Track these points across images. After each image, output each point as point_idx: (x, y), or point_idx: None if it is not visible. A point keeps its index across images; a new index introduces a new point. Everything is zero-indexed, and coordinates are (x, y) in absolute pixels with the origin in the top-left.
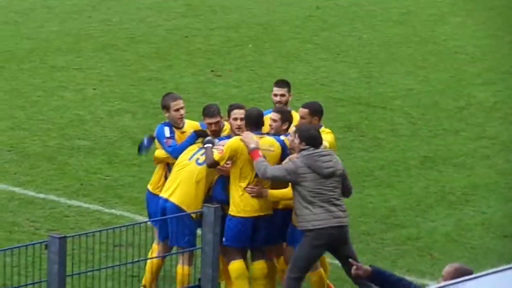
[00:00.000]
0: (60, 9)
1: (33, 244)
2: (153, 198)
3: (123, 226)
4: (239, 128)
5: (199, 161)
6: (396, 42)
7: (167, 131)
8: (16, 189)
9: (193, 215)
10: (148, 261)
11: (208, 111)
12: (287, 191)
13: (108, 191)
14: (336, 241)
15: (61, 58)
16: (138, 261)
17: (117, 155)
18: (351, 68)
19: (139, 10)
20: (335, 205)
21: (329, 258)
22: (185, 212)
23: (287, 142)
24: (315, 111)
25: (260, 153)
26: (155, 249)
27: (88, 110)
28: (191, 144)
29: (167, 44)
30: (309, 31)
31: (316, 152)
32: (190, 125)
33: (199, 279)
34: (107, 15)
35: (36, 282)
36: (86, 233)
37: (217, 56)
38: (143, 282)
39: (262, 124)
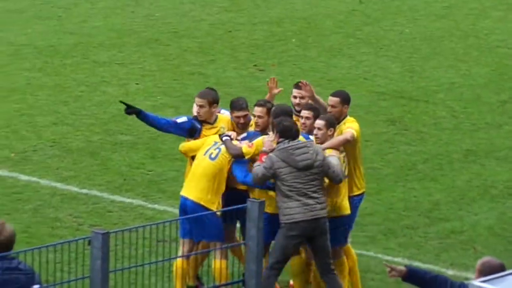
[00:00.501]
0: (103, 4)
1: (76, 240)
2: None
3: (166, 221)
4: (256, 124)
5: (212, 156)
6: (438, 36)
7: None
8: (59, 185)
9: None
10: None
11: (236, 104)
12: None
13: (151, 186)
14: (311, 233)
15: (104, 53)
16: (181, 256)
17: (160, 150)
18: (393, 62)
19: (182, 4)
20: (312, 197)
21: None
22: (204, 208)
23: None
24: (346, 99)
25: (263, 158)
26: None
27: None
28: None
29: (210, 38)
30: (352, 25)
31: (290, 145)
32: (221, 120)
33: (243, 274)
34: (150, 10)
35: (79, 278)
36: (130, 229)
37: (260, 50)
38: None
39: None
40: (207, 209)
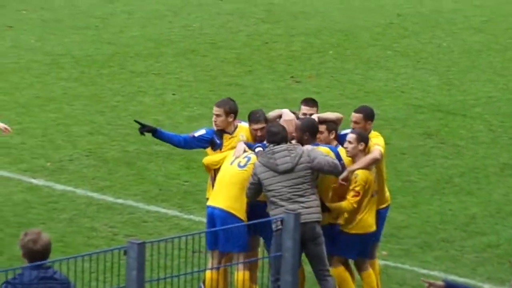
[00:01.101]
0: (141, 14)
1: (111, 250)
2: None
3: (202, 232)
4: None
5: (241, 164)
6: (476, 50)
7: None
8: (95, 195)
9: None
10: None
11: (254, 117)
12: (345, 204)
13: (187, 196)
14: (300, 239)
15: (141, 63)
16: (217, 267)
17: (195, 161)
18: (431, 75)
19: (220, 15)
20: (297, 202)
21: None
22: (234, 216)
23: (342, 152)
24: (369, 115)
25: None
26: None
27: (167, 115)
28: None
29: (247, 49)
30: (389, 38)
31: (269, 150)
32: (241, 129)
33: (279, 286)
34: (187, 20)
35: None
36: (165, 239)
37: (298, 62)
38: None
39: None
40: (236, 217)
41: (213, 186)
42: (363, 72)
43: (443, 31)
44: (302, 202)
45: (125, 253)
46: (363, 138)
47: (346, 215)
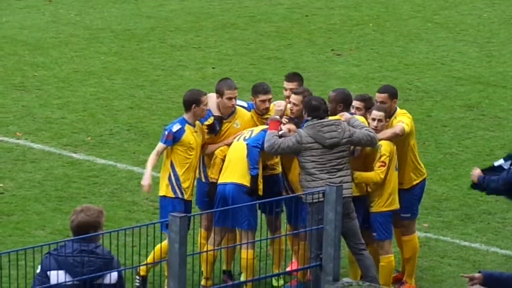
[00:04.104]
0: None
1: (153, 223)
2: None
3: (243, 205)
4: (291, 112)
5: (246, 137)
6: None
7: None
8: (135, 169)
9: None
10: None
11: (262, 88)
12: (372, 174)
13: None
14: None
15: (181, 37)
16: (254, 241)
17: None
18: (471, 47)
19: None
20: (338, 176)
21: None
22: (245, 188)
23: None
24: (393, 94)
25: (278, 127)
26: (205, 235)
27: (207, 89)
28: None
29: (287, 23)
30: (429, 10)
31: (318, 122)
32: (239, 114)
33: (321, 258)
34: None
35: (157, 262)
36: (206, 212)
37: (338, 35)
38: (204, 274)
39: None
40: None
41: (207, 164)
42: (403, 45)
43: (483, 2)
44: (342, 176)
45: (167, 226)
46: (388, 115)
47: (370, 191)
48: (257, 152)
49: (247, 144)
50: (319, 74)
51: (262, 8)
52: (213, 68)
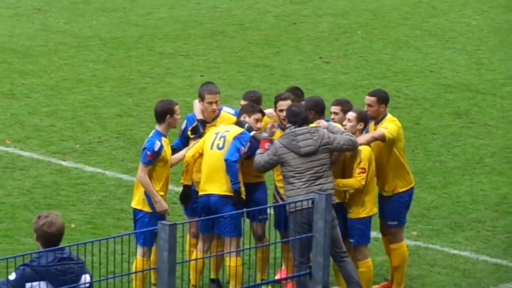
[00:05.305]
0: None
1: (142, 231)
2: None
3: (234, 212)
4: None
5: (220, 146)
6: (505, 28)
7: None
8: (124, 176)
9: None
10: (193, 260)
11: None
12: (353, 181)
13: None
14: None
15: (169, 44)
16: (243, 250)
17: None
18: (460, 54)
19: None
20: (318, 184)
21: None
22: (230, 197)
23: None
24: (382, 99)
25: (267, 145)
26: (193, 243)
27: (195, 97)
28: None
29: (275, 30)
30: (418, 17)
31: (292, 132)
32: (223, 118)
33: (310, 266)
34: (215, 1)
35: (146, 270)
36: (196, 220)
37: (326, 42)
38: (192, 281)
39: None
40: (233, 197)
41: (187, 171)
42: (392, 52)
43: (472, 10)
44: (323, 184)
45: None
46: (362, 118)
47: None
48: (236, 167)
49: (225, 160)
50: (307, 82)
51: (250, 16)
52: (201, 75)
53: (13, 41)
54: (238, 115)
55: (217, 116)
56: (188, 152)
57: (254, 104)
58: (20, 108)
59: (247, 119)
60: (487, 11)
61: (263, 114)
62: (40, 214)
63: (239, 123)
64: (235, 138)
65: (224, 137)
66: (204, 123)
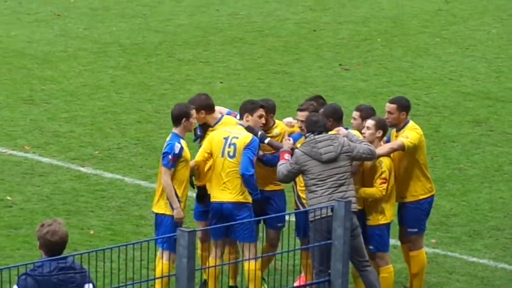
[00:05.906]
0: (188, 2)
1: (160, 238)
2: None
3: (251, 220)
4: (301, 129)
5: (230, 154)
6: None
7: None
8: (143, 183)
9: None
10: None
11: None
12: (375, 190)
13: None
14: None
15: (189, 51)
16: (267, 255)
17: None
18: (480, 62)
19: (267, 3)
20: (340, 191)
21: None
22: (243, 204)
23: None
24: (403, 106)
25: (287, 156)
26: (200, 246)
27: (215, 104)
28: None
29: (295, 37)
30: (438, 25)
31: (312, 139)
32: (225, 122)
33: (328, 273)
34: (235, 8)
35: (165, 276)
36: (214, 228)
37: (345, 50)
38: None
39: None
40: (246, 204)
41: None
42: (412, 60)
43: (492, 18)
44: (344, 192)
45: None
46: (381, 126)
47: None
48: (254, 179)
49: (242, 175)
50: (327, 89)
51: (270, 23)
52: (221, 82)
53: (32, 47)
54: (240, 115)
55: (219, 121)
56: (196, 157)
57: (252, 100)
58: (39, 114)
59: (249, 118)
60: (507, 19)
61: (263, 107)
62: (44, 221)
63: (251, 131)
64: (246, 148)
65: (235, 145)
66: (205, 126)
